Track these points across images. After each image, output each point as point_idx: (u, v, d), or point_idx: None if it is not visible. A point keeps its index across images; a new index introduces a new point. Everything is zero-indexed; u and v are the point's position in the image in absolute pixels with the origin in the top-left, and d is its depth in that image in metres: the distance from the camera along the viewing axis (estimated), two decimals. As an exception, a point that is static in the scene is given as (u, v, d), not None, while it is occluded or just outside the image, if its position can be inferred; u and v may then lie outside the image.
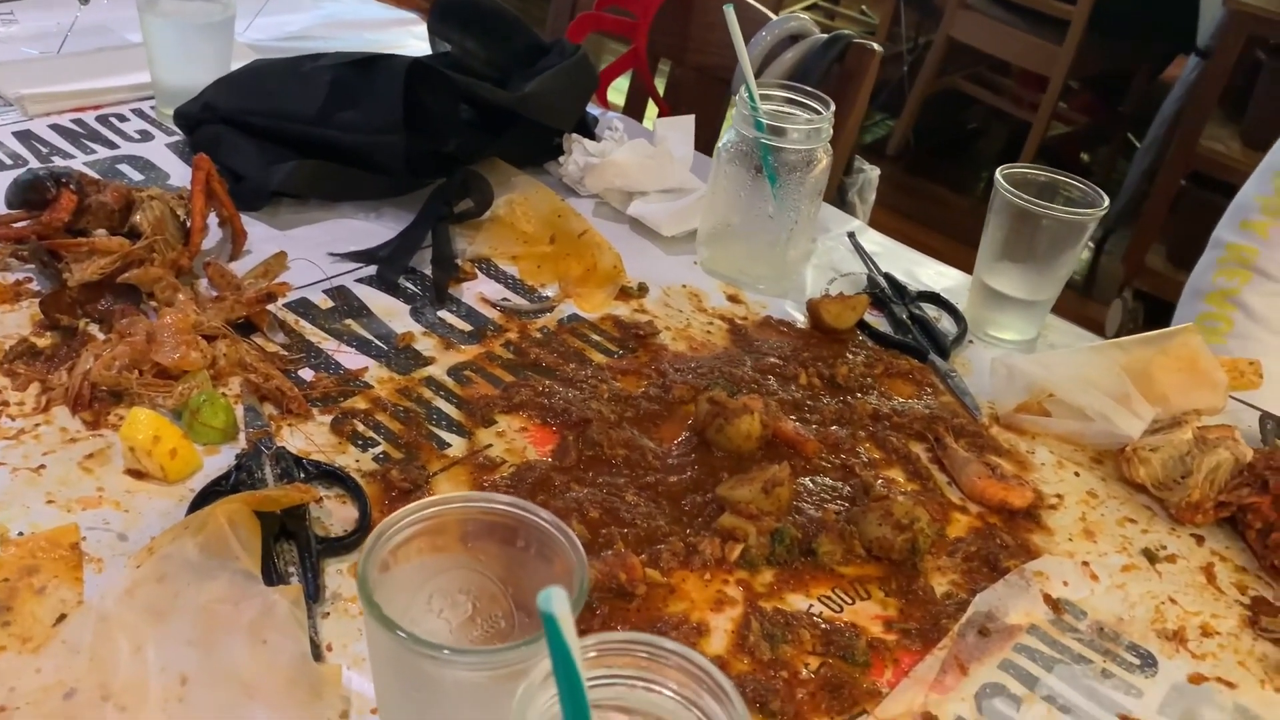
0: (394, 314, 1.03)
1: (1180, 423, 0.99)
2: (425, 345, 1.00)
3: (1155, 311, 3.13)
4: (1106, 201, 1.09)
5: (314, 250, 1.10)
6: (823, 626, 0.78)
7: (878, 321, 1.17)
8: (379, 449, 0.86)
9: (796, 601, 0.80)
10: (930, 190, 4.04)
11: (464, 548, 0.61)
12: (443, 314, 1.04)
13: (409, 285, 1.08)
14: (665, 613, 0.77)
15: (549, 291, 1.11)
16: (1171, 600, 0.87)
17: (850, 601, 0.81)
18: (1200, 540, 0.94)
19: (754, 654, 0.75)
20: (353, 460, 0.85)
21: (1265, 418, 1.09)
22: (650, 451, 0.91)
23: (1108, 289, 3.55)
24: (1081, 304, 3.49)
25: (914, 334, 1.14)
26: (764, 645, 0.75)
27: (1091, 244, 3.89)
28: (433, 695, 0.55)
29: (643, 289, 1.14)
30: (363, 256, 1.09)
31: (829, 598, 0.81)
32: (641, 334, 1.06)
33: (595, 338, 1.05)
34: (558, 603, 0.37)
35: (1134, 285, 3.23)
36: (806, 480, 0.92)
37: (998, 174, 1.11)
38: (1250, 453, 0.97)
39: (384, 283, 1.06)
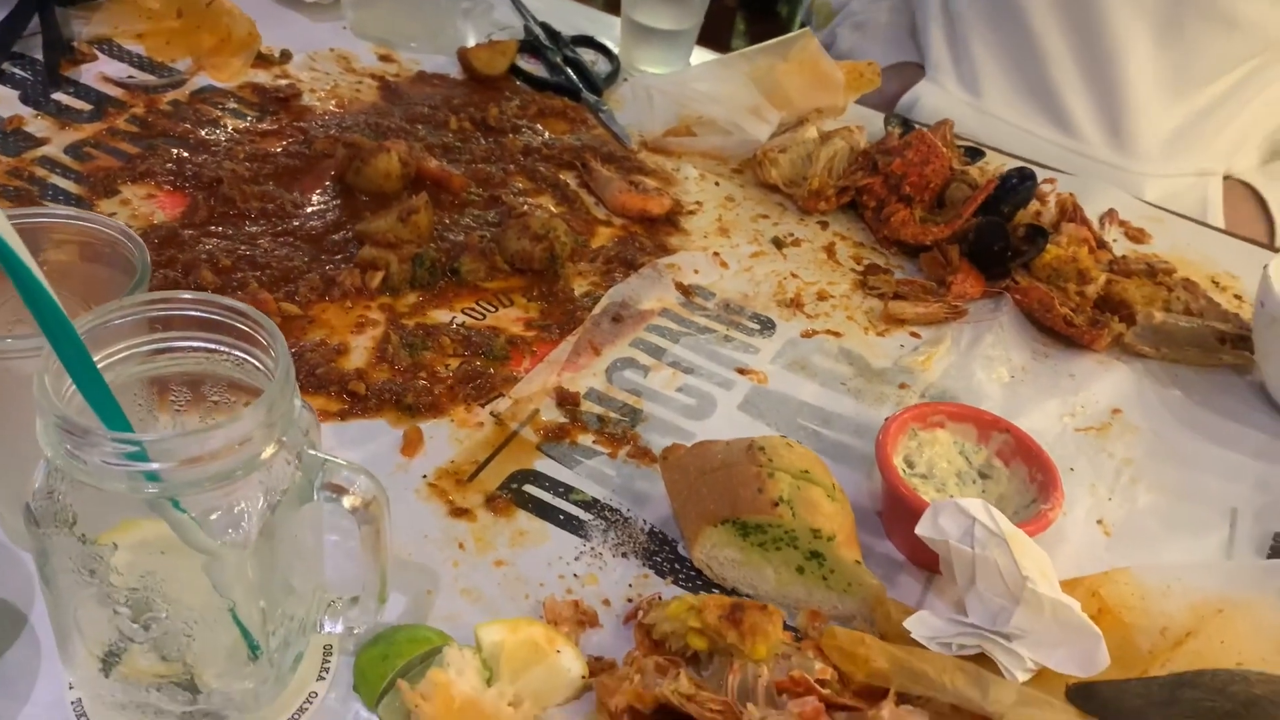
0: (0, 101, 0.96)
1: (804, 121, 1.07)
2: (38, 127, 0.94)
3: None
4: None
5: (-99, 45, 1.00)
6: (464, 333, 0.81)
7: (534, 68, 1.19)
8: (-15, 228, 0.82)
9: (440, 316, 0.83)
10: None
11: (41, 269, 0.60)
12: (58, 96, 0.98)
13: (17, 71, 1.00)
14: (303, 339, 0.78)
15: (180, 66, 1.06)
16: (794, 275, 0.96)
17: (494, 310, 0.85)
18: (825, 225, 1.03)
19: (393, 363, 0.78)
20: (-44, 241, 0.80)
21: (889, 117, 1.18)
22: (289, 202, 0.90)
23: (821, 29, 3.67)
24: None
25: (567, 75, 1.16)
26: (403, 353, 0.78)
27: None
28: (3, 405, 0.55)
29: (285, 55, 1.11)
30: (-41, 47, 1.00)
31: (472, 309, 0.85)
32: (283, 96, 1.04)
33: (232, 105, 1.02)
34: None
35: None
36: (456, 215, 0.94)
37: (627, -97, 1.12)
38: (864, 141, 1.06)
39: (-15, 70, 0.99)
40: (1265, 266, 0.88)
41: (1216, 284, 1.05)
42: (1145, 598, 0.62)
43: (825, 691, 0.55)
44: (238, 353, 0.50)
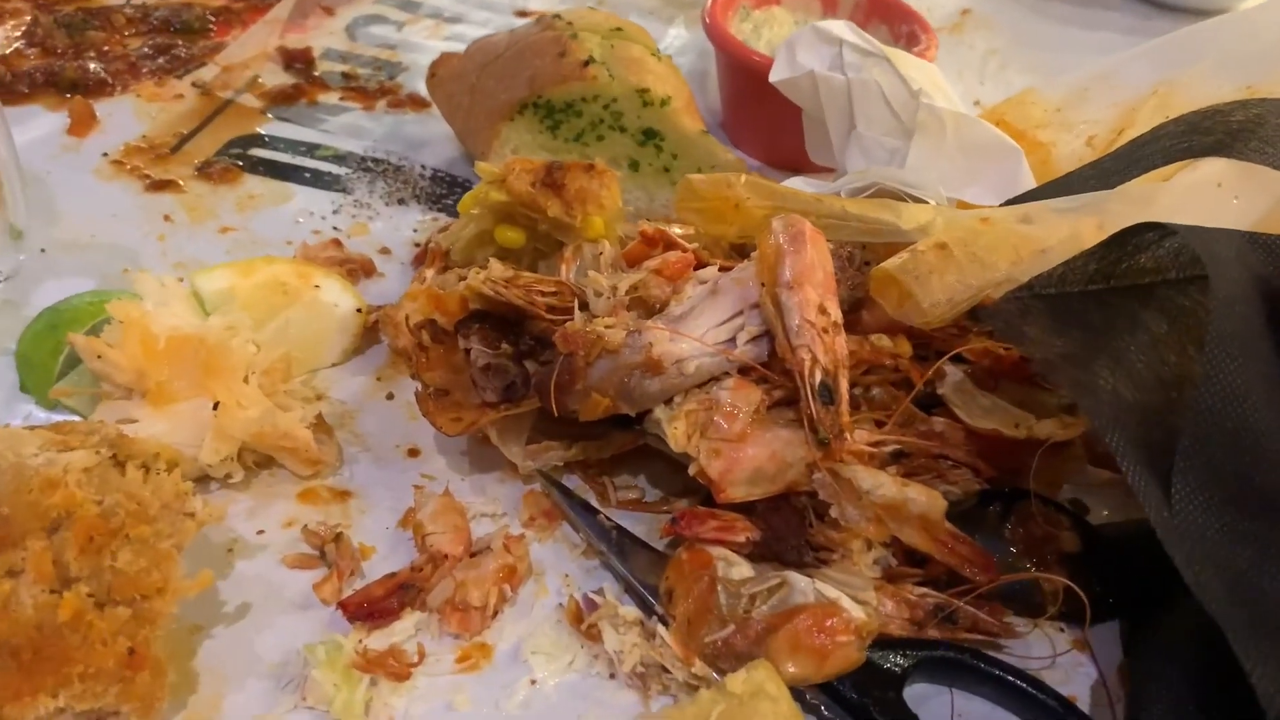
0: None
1: None
2: None
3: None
4: None
5: None
6: (143, 12, 0.61)
7: None
8: None
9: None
10: None
11: None
12: None
13: None
14: (-88, 40, 0.56)
15: None
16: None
17: (184, -12, 0.64)
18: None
19: (46, 46, 0.57)
20: None
21: None
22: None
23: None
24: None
25: None
26: (59, 34, 0.57)
27: None
28: None
29: None
30: None
31: (154, -10, 0.64)
32: None
33: None
34: None
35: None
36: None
37: None
38: None
39: None
40: None
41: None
42: (1061, 109, 0.50)
43: (692, 246, 0.40)
44: None
